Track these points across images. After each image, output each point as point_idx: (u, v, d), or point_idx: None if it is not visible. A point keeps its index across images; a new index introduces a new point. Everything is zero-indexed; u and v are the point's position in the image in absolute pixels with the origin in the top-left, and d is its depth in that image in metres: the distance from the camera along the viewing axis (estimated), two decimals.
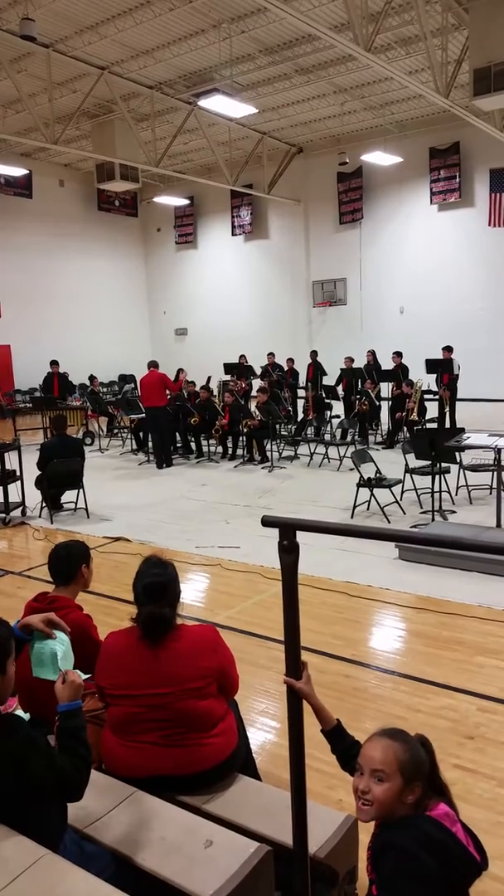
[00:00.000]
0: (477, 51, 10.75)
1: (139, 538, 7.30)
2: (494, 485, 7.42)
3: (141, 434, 12.87)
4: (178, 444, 12.50)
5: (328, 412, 12.77)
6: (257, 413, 11.70)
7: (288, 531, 1.74)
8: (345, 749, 1.96)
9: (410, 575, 5.78)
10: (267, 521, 1.77)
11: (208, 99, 13.56)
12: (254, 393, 15.00)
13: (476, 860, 1.69)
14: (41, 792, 1.96)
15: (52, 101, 14.16)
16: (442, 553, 5.84)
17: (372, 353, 14.60)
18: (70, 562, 3.07)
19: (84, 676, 2.21)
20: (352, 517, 7.61)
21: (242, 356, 16.76)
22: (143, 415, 12.27)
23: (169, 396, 12.07)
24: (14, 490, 8.40)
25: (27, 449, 9.22)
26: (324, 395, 13.33)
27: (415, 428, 11.35)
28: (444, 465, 7.59)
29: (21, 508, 8.47)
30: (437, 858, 1.61)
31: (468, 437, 7.72)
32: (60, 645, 2.23)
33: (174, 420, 12.07)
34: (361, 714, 3.67)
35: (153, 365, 11.67)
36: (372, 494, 7.59)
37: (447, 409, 13.00)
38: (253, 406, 12.76)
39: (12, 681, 2.05)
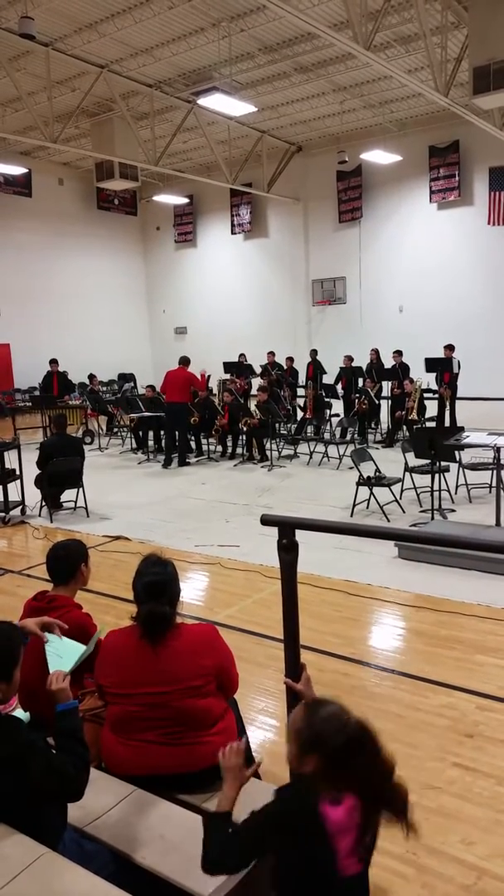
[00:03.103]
0: (476, 49, 10.74)
1: (139, 537, 7.30)
2: (494, 483, 7.42)
3: (140, 433, 12.85)
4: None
5: (328, 411, 12.76)
6: (257, 412, 11.69)
7: (287, 530, 1.75)
8: None
9: (410, 573, 5.78)
10: (266, 520, 1.78)
11: (207, 97, 13.55)
12: (253, 392, 14.99)
13: (335, 872, 1.57)
14: (41, 793, 1.97)
15: (51, 100, 14.15)
16: (441, 552, 5.84)
17: (375, 352, 14.49)
18: (69, 561, 3.07)
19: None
20: (351, 516, 7.61)
21: (242, 355, 16.77)
22: (144, 413, 12.24)
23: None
24: (14, 489, 8.40)
25: (27, 448, 9.21)
26: (323, 393, 13.32)
27: (414, 427, 11.34)
28: (443, 463, 7.59)
29: (21, 507, 8.47)
30: (278, 828, 1.63)
31: (468, 436, 7.72)
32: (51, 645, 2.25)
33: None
34: (360, 713, 3.66)
35: (184, 361, 11.36)
36: (371, 493, 7.60)
37: (447, 407, 12.99)
38: (252, 405, 12.74)
39: (17, 687, 2.07)
